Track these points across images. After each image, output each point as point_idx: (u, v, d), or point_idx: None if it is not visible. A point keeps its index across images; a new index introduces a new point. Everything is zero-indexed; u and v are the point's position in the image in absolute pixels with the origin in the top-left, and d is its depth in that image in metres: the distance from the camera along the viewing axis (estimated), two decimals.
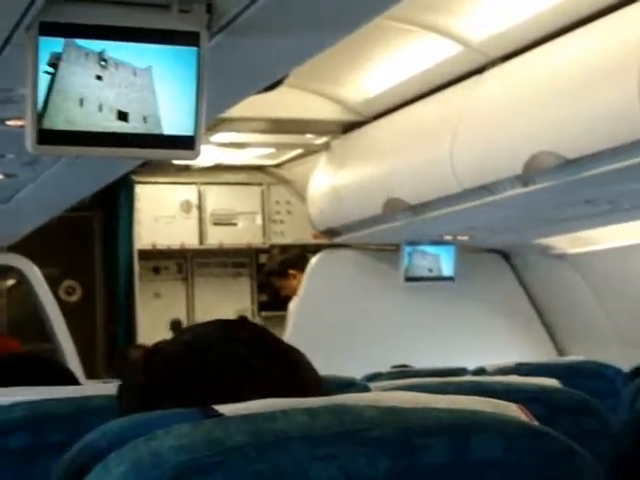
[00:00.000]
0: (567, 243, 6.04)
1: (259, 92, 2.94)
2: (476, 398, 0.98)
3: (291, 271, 6.42)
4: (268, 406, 0.89)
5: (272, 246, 7.16)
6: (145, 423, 0.91)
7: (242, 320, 1.16)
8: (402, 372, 4.21)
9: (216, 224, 6.97)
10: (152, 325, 6.76)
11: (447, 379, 2.23)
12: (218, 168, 6.87)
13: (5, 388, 1.72)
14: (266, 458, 0.81)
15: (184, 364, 1.05)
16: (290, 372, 1.06)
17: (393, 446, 0.85)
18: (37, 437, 1.51)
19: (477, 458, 0.86)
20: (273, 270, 6.62)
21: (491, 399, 0.98)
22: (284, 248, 6.98)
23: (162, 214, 6.84)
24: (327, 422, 0.85)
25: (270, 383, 1.02)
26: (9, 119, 2.80)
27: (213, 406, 0.89)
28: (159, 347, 1.09)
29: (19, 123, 2.78)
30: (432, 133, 4.97)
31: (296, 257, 6.56)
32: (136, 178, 6.61)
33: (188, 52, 2.08)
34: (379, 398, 0.93)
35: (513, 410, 0.97)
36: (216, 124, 5.25)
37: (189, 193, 6.94)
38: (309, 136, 6.11)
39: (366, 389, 2.16)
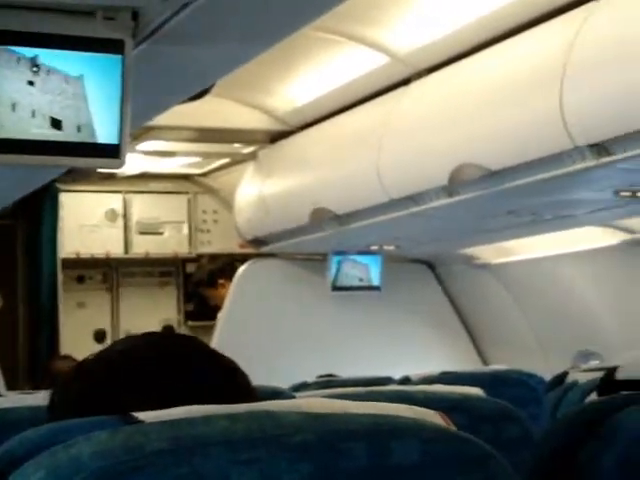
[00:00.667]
0: (491, 253, 6.13)
1: (186, 101, 2.94)
2: (397, 405, 0.99)
3: (220, 281, 6.42)
4: (189, 412, 0.89)
5: (200, 255, 7.13)
6: (64, 431, 0.90)
7: (172, 332, 1.16)
8: (329, 382, 4.22)
9: (142, 233, 6.91)
10: (76, 335, 6.67)
11: (372, 388, 2.25)
12: (144, 177, 6.82)
13: None
14: (186, 463, 0.81)
15: (112, 373, 1.05)
16: (225, 379, 1.06)
17: (314, 451, 0.85)
18: None
19: (396, 462, 0.87)
20: (202, 280, 6.61)
21: (412, 406, 0.99)
22: (213, 257, 6.96)
23: (87, 223, 6.76)
24: (248, 427, 0.85)
25: (202, 391, 1.02)
26: None
27: (133, 413, 0.89)
28: (90, 358, 1.08)
29: None
30: (359, 143, 5.00)
31: (225, 266, 6.54)
32: (60, 186, 6.52)
33: (114, 60, 2.07)
34: (300, 404, 0.94)
35: (433, 417, 0.98)
36: (143, 132, 5.21)
37: (114, 202, 6.87)
38: (236, 145, 6.11)
39: (293, 399, 2.16)
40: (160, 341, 1.09)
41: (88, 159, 2.16)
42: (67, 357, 5.00)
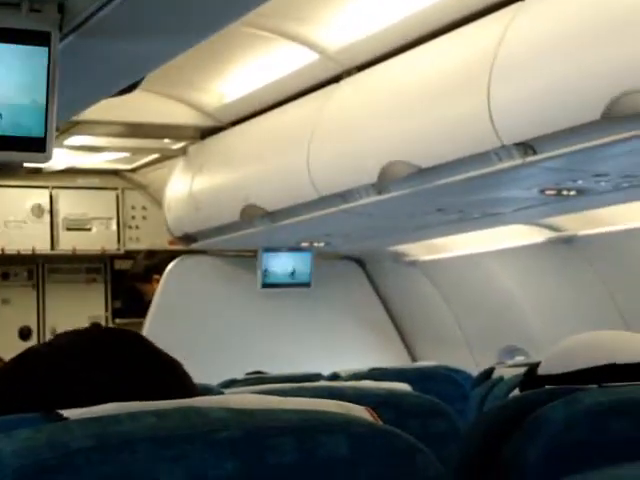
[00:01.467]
0: (420, 250, 6.18)
1: (114, 95, 2.90)
2: (325, 401, 1.00)
3: (155, 276, 6.38)
4: (115, 409, 0.88)
5: (128, 252, 7.06)
6: None
7: (99, 326, 1.13)
8: (258, 378, 4.22)
9: (69, 229, 6.82)
10: (0, 332, 6.57)
11: (302, 384, 2.26)
12: (71, 172, 6.73)
13: None
14: (111, 460, 0.80)
15: (41, 370, 1.02)
16: (162, 376, 1.04)
17: (242, 447, 0.85)
18: None
19: (324, 457, 0.87)
20: (137, 274, 6.56)
21: (340, 402, 1.00)
22: (150, 253, 6.89)
23: (12, 218, 6.65)
24: (175, 423, 0.84)
25: (137, 388, 1.00)
26: None
27: (57, 411, 0.87)
28: (16, 356, 1.06)
29: None
30: (289, 140, 5.00)
31: (161, 262, 6.49)
32: None
33: (39, 52, 2.04)
34: (229, 400, 0.93)
35: (360, 412, 0.99)
36: (70, 127, 5.14)
37: (40, 197, 6.77)
38: (166, 141, 6.06)
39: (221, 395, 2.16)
40: (90, 336, 1.07)
41: (13, 152, 2.12)
42: None
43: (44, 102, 2.08)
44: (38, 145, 2.11)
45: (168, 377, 1.05)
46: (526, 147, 3.55)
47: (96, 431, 0.81)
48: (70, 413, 0.87)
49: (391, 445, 0.90)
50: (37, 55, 2.04)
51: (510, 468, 1.34)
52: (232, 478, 0.85)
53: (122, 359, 1.04)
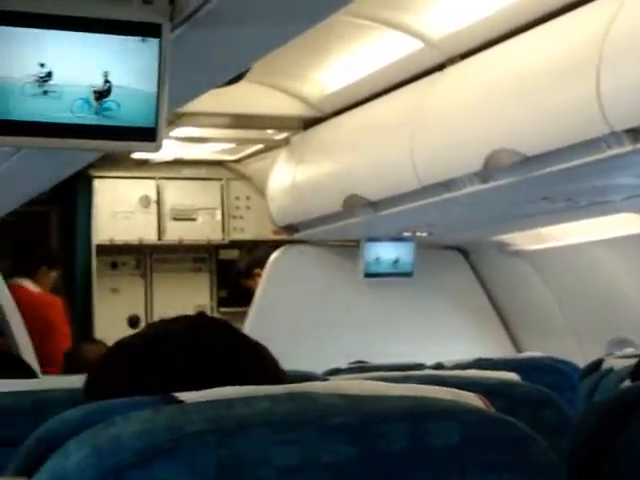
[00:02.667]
0: (525, 240, 6.10)
1: (220, 86, 2.94)
2: (436, 388, 0.99)
3: (256, 270, 6.45)
4: (228, 394, 0.89)
5: (232, 242, 7.15)
6: (104, 410, 0.91)
7: (204, 315, 1.16)
8: (361, 368, 4.22)
9: (175, 219, 6.94)
10: (109, 321, 6.71)
11: (407, 373, 2.24)
12: (177, 163, 6.84)
13: None
14: (226, 444, 0.81)
15: (147, 356, 1.05)
16: (255, 362, 1.07)
17: (354, 433, 0.85)
18: None
19: (436, 444, 0.86)
20: (240, 271, 6.67)
21: (451, 389, 0.99)
22: (252, 247, 6.97)
23: (120, 209, 6.79)
24: (288, 409, 0.85)
25: (236, 375, 1.02)
26: None
27: (173, 394, 0.89)
28: (124, 340, 1.09)
29: None
30: (392, 130, 4.98)
31: (262, 256, 6.57)
32: (94, 172, 6.56)
33: (151, 44, 2.08)
34: (339, 386, 0.93)
35: (472, 399, 0.98)
36: (176, 118, 5.22)
37: (148, 188, 6.90)
38: (269, 131, 6.11)
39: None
40: (194, 324, 1.09)
41: (124, 142, 2.17)
42: (97, 341, 5.03)
43: (155, 93, 2.12)
44: (149, 135, 2.16)
45: (260, 362, 1.07)
46: (637, 133, 3.47)
47: (211, 415, 0.82)
48: (186, 396, 0.88)
49: (504, 433, 0.89)
50: (148, 46, 2.08)
51: (622, 460, 1.31)
52: (345, 464, 0.85)
53: (217, 345, 1.06)
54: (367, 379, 2.10)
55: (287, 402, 0.86)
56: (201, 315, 1.14)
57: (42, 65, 2.03)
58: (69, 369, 4.14)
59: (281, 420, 0.84)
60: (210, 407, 0.84)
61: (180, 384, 0.93)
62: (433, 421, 0.87)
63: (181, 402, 0.88)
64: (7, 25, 1.97)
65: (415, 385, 0.99)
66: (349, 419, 0.85)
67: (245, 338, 1.09)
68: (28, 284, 5.88)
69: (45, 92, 2.04)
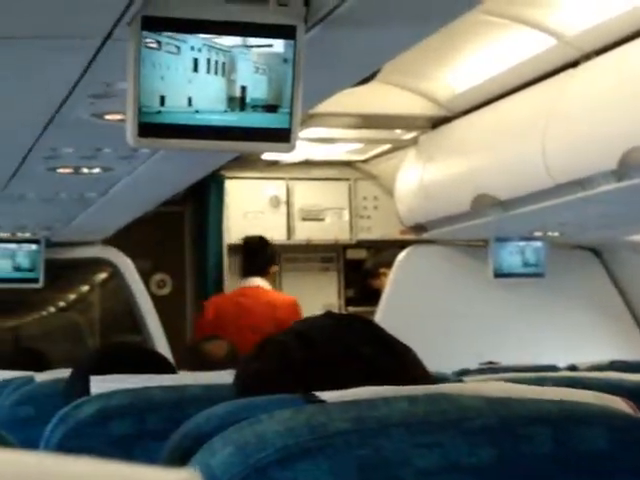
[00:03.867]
0: None
1: (352, 86, 2.94)
2: (579, 391, 0.97)
3: (382, 270, 6.48)
4: (369, 393, 0.89)
5: (360, 241, 7.17)
6: (248, 408, 0.92)
7: (350, 314, 1.17)
8: (491, 368, 4.17)
9: (304, 219, 7.00)
10: None
11: (541, 374, 2.20)
12: (306, 163, 6.89)
13: (106, 376, 1.75)
14: (368, 444, 0.81)
15: (294, 353, 1.07)
16: (399, 363, 1.07)
17: (496, 435, 0.84)
18: (137, 424, 1.55)
19: (582, 449, 0.85)
20: (367, 271, 6.71)
21: (594, 392, 0.97)
22: (379, 247, 6.99)
23: (251, 209, 6.90)
24: (429, 410, 0.85)
25: (380, 373, 1.03)
26: (108, 113, 2.85)
27: (314, 392, 0.90)
28: (271, 337, 1.11)
29: (117, 117, 2.83)
30: (523, 128, 4.91)
31: (389, 256, 6.59)
32: (225, 173, 6.67)
33: (285, 45, 2.10)
34: (477, 388, 0.92)
35: (616, 403, 0.95)
36: (306, 119, 5.26)
37: (277, 188, 6.98)
38: (397, 131, 6.09)
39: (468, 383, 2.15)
40: (337, 323, 1.10)
41: (259, 143, 2.20)
42: (217, 338, 5.11)
43: (290, 95, 2.14)
44: (283, 136, 2.18)
45: (404, 363, 1.07)
46: None
47: (353, 415, 0.83)
48: (326, 396, 0.89)
49: None
50: (283, 48, 2.10)
51: None
52: (486, 466, 0.84)
53: (362, 344, 1.06)
54: (500, 380, 2.08)
55: (426, 403, 0.85)
56: (348, 314, 1.15)
57: None
58: (192, 365, 4.21)
59: (422, 421, 0.83)
60: (351, 407, 0.84)
61: (325, 381, 0.94)
62: (579, 425, 0.85)
63: (323, 401, 0.89)
64: (161, 31, 2.02)
65: (557, 388, 0.97)
66: (490, 421, 0.84)
67: (391, 339, 1.10)
68: (265, 284, 6.04)
69: (189, 95, 2.10)
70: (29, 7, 2.01)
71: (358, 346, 1.06)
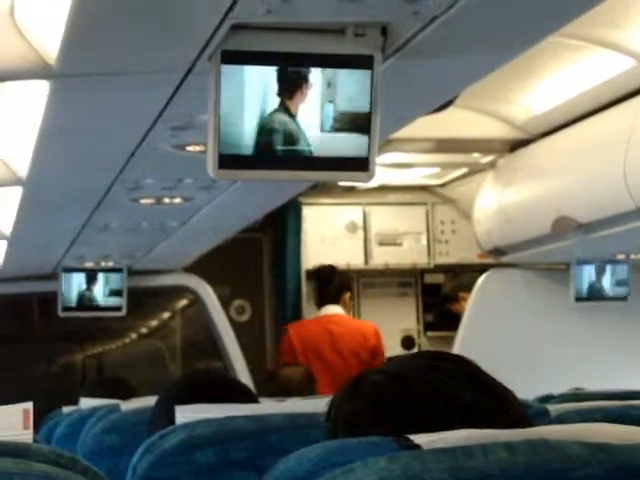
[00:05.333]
0: None
1: (430, 112, 2.93)
2: None
3: (461, 294, 6.44)
4: (463, 438, 0.87)
5: (437, 266, 7.12)
6: (340, 450, 0.90)
7: (445, 352, 1.15)
8: (575, 395, 4.09)
9: (381, 244, 6.98)
10: None
11: (630, 402, 2.15)
12: (383, 188, 6.88)
13: (190, 405, 1.76)
14: None
15: (389, 393, 1.05)
16: (498, 406, 1.04)
17: None
18: (222, 453, 1.55)
19: None
20: (446, 295, 6.67)
21: None
22: (457, 271, 6.94)
23: (328, 235, 6.90)
24: (529, 459, 0.82)
25: (477, 417, 1.01)
26: (189, 144, 2.88)
27: (408, 435, 0.88)
28: (366, 375, 1.10)
29: (198, 148, 2.86)
30: (603, 149, 4.84)
31: (468, 280, 6.55)
32: (303, 199, 6.70)
33: (363, 75, 2.10)
34: (579, 432, 0.89)
35: None
36: (384, 145, 5.25)
37: (354, 214, 6.98)
38: (475, 155, 6.05)
39: (545, 412, 2.10)
40: (430, 364, 1.08)
41: (338, 172, 2.20)
42: (298, 364, 5.11)
43: (367, 124, 2.14)
44: (361, 165, 2.18)
45: (505, 407, 1.04)
46: None
47: (450, 464, 0.81)
48: (421, 440, 0.87)
49: None
50: (360, 78, 2.10)
51: None
52: None
53: (462, 389, 1.04)
54: (586, 409, 2.02)
55: (527, 452, 0.83)
56: (444, 352, 1.13)
57: None
58: (270, 390, 4.21)
59: (522, 473, 0.81)
60: (448, 456, 0.82)
61: (419, 424, 0.92)
62: None
63: (417, 445, 0.87)
64: (241, 64, 2.04)
65: None
66: (595, 471, 0.80)
67: (487, 379, 1.07)
68: (342, 312, 6.10)
69: (269, 125, 2.12)
70: (121, 45, 2.06)
71: (458, 390, 1.04)
